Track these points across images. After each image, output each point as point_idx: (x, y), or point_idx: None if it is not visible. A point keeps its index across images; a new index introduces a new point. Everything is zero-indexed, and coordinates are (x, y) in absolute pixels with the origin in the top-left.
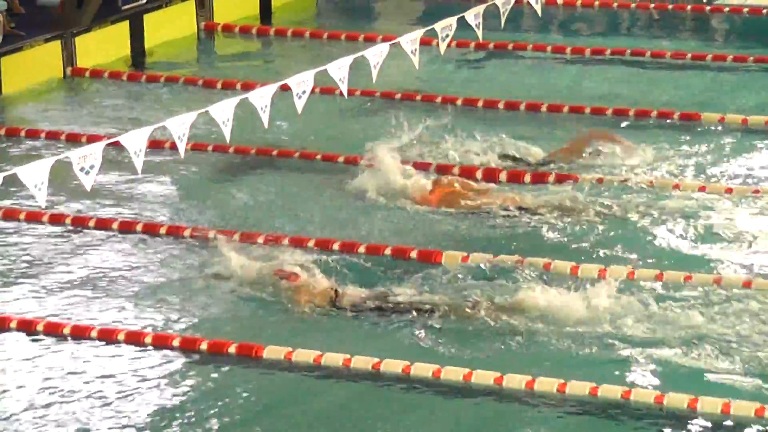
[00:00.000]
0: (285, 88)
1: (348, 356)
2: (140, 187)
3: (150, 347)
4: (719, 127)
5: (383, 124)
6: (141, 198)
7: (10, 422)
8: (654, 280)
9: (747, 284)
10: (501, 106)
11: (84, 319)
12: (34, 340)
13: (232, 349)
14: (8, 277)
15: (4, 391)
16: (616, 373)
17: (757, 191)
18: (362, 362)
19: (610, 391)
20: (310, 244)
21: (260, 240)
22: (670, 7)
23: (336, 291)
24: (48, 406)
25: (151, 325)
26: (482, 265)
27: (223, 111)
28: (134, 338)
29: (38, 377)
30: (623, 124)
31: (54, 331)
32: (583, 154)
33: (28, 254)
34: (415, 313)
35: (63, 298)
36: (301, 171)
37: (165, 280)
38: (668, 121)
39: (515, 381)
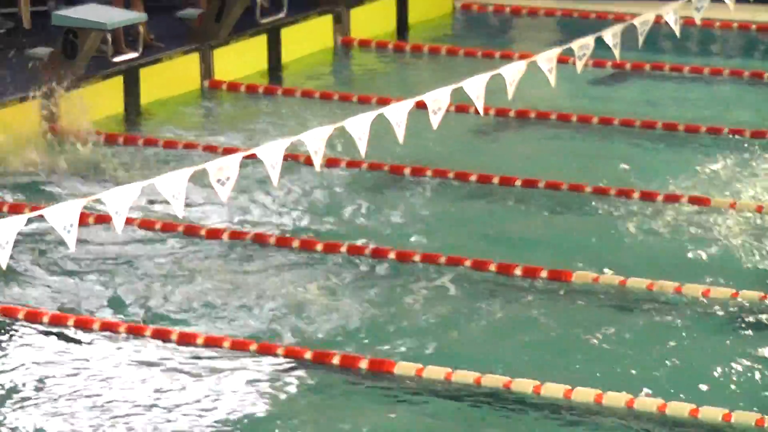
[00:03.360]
0: (420, 105)
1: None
2: (275, 200)
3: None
4: None
5: (517, 143)
6: (275, 210)
7: None
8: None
9: None
10: (637, 124)
11: (214, 329)
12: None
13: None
14: (143, 284)
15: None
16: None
17: None
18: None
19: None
20: (442, 260)
21: (392, 255)
22: None
23: None
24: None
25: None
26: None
27: (359, 126)
28: (267, 350)
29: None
30: (763, 146)
31: (187, 341)
32: None
33: (162, 264)
34: None
35: (189, 307)
36: (434, 188)
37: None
38: None
39: None
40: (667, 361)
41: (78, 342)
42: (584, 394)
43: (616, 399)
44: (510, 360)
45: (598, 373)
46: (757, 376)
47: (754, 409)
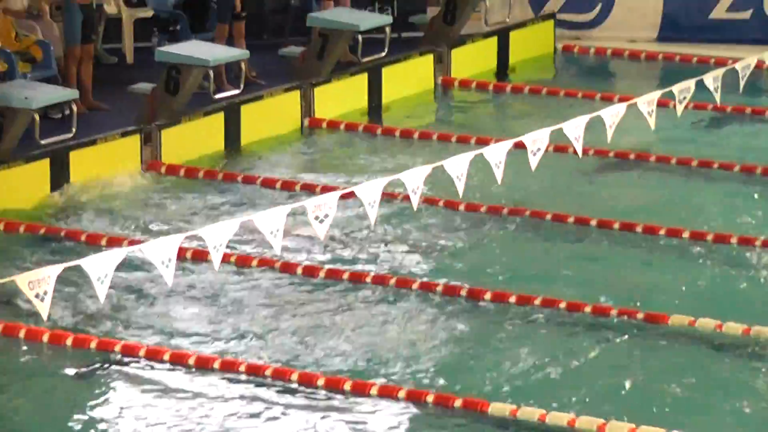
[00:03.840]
0: (519, 145)
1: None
2: (372, 238)
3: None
4: None
5: (615, 185)
6: (372, 249)
7: None
8: None
9: None
10: (737, 169)
11: (308, 365)
12: (260, 385)
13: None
14: (239, 319)
15: None
16: None
17: None
18: None
19: None
20: (562, 306)
21: (488, 296)
22: None
23: None
24: None
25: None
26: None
27: (458, 166)
28: (360, 389)
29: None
30: None
31: (282, 377)
32: None
33: (261, 300)
34: None
35: (290, 344)
36: (530, 229)
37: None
38: None
39: None
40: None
41: (175, 377)
42: None
43: None
44: (603, 403)
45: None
46: None
47: None
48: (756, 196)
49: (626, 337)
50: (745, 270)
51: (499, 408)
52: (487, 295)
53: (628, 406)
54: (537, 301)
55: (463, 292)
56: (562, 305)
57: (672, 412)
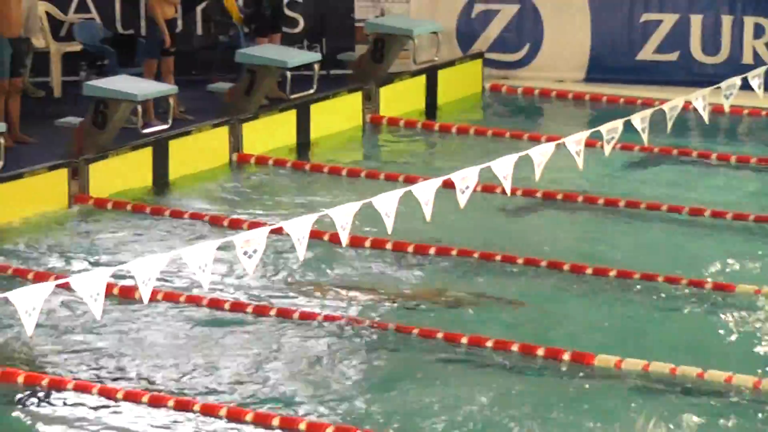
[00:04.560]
0: (448, 184)
1: None
2: (301, 274)
3: None
4: None
5: (543, 224)
6: (299, 285)
7: None
8: None
9: None
10: (664, 209)
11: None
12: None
13: None
14: (163, 353)
15: None
16: None
17: None
18: None
19: None
20: (489, 344)
21: (391, 327)
22: None
23: None
24: None
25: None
26: None
27: (386, 203)
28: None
29: None
30: None
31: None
32: None
33: (185, 335)
34: None
35: (235, 381)
36: (458, 268)
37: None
38: None
39: None
40: None
41: (101, 410)
42: None
43: None
44: None
45: None
46: None
47: None
48: (683, 236)
49: (551, 378)
50: (672, 309)
51: None
52: (415, 331)
53: None
54: (464, 340)
55: (392, 326)
56: (489, 343)
57: None
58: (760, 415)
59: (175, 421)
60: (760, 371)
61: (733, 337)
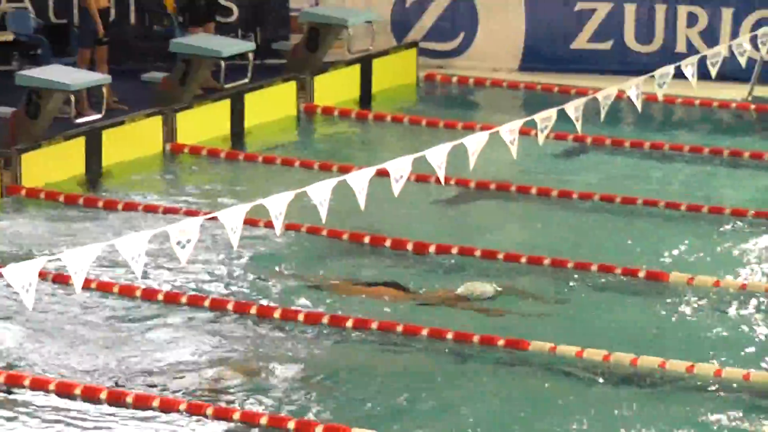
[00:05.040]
0: (382, 173)
1: None
2: (235, 263)
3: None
4: None
5: (476, 213)
6: (234, 274)
7: None
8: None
9: None
10: (596, 198)
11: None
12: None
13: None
14: (99, 345)
15: None
16: None
17: None
18: None
19: None
20: (424, 332)
21: (348, 323)
22: None
23: None
24: None
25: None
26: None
27: (320, 192)
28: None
29: None
30: (718, 222)
31: (144, 404)
32: None
33: (116, 325)
34: None
35: (149, 370)
36: (393, 258)
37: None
38: (766, 221)
39: None
40: None
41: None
42: None
43: None
44: None
45: None
46: None
47: None
48: (615, 225)
49: (487, 366)
50: (605, 297)
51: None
52: (349, 322)
53: None
54: (399, 328)
55: (325, 320)
56: (425, 332)
57: None
58: (692, 400)
59: (111, 414)
60: (693, 358)
61: (667, 325)
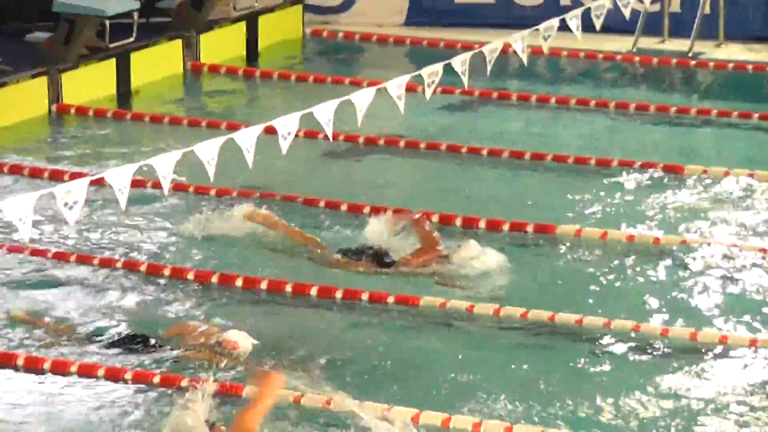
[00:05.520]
0: (270, 130)
1: None
2: (124, 224)
3: (130, 383)
4: (703, 179)
5: (366, 169)
6: (124, 234)
7: None
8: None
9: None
10: (485, 153)
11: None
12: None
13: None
14: None
15: None
16: None
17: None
18: None
19: None
20: (288, 288)
21: (239, 282)
22: (655, 60)
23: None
24: None
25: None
26: None
27: (208, 151)
28: (113, 374)
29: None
30: (606, 174)
31: (34, 366)
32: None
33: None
34: None
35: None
36: (283, 213)
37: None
38: (652, 172)
39: None
40: None
41: None
42: None
43: None
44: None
45: None
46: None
47: None
48: (504, 179)
49: (376, 320)
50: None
51: None
52: (239, 281)
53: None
54: (288, 288)
55: (215, 279)
56: (312, 290)
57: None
58: (582, 351)
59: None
60: (581, 312)
61: (556, 278)
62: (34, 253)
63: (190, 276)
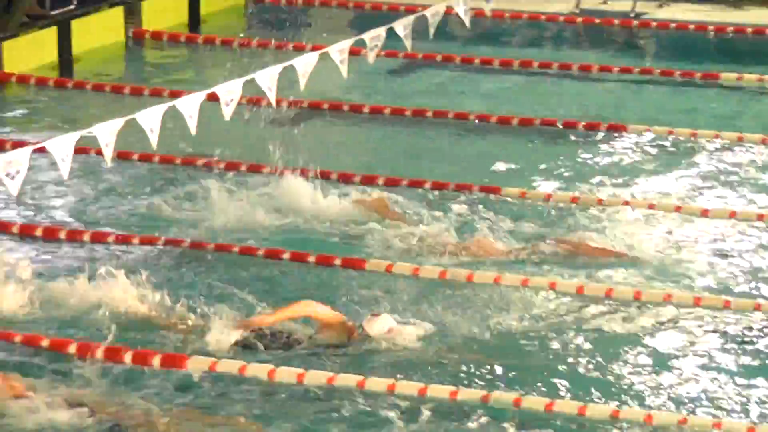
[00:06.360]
0: (212, 97)
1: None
2: (64, 192)
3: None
4: (646, 138)
5: (310, 134)
6: (67, 204)
7: None
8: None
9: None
10: (430, 114)
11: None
12: None
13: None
14: None
15: None
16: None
17: (679, 208)
18: None
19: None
20: (235, 250)
21: (185, 245)
22: (598, 21)
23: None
24: None
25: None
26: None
27: (150, 118)
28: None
29: None
30: (550, 135)
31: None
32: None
33: None
34: None
35: None
36: (226, 180)
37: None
38: (596, 132)
39: None
40: None
41: None
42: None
43: None
44: None
45: None
46: None
47: None
48: (449, 141)
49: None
50: (440, 213)
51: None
52: (185, 244)
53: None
54: (235, 249)
55: (186, 244)
56: (260, 252)
57: None
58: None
59: None
60: (527, 275)
61: (503, 238)
62: None
63: (135, 241)
